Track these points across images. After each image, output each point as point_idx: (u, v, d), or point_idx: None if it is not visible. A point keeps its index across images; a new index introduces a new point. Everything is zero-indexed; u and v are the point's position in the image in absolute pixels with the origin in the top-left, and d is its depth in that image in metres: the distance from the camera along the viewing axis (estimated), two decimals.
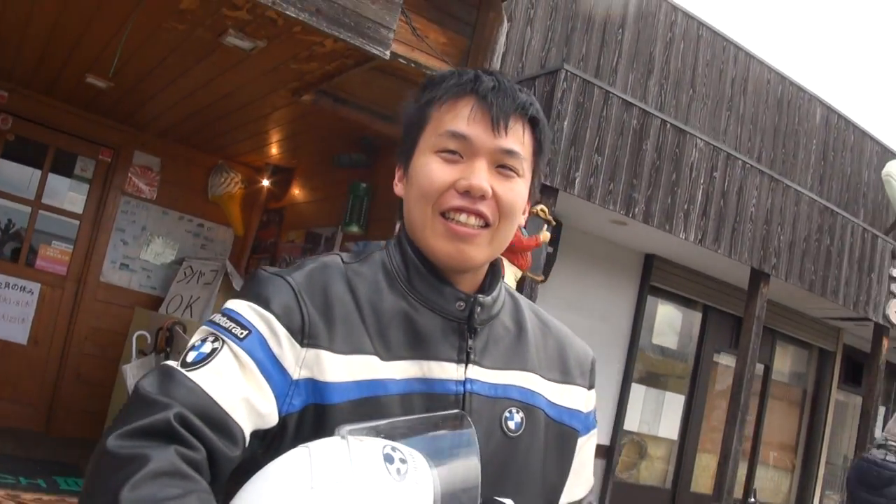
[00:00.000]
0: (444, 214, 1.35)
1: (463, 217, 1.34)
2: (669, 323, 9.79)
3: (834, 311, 10.05)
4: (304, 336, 1.25)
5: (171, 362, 1.20)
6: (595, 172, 7.09)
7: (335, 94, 6.02)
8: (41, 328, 7.73)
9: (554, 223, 6.21)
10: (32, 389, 7.61)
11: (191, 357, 1.20)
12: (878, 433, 10.35)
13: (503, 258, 5.37)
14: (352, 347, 1.28)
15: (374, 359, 1.29)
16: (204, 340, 1.23)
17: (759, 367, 10.67)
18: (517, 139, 1.37)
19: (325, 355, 1.25)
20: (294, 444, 1.16)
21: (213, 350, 1.21)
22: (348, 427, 1.13)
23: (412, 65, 5.50)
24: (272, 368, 1.21)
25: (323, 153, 7.63)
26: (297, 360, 1.24)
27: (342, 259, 1.39)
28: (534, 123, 1.40)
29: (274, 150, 8.01)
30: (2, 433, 6.91)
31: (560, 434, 1.46)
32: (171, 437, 1.08)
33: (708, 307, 9.79)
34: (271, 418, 1.21)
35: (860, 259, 9.57)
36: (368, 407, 1.25)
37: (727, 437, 8.31)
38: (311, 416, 1.23)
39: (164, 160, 8.36)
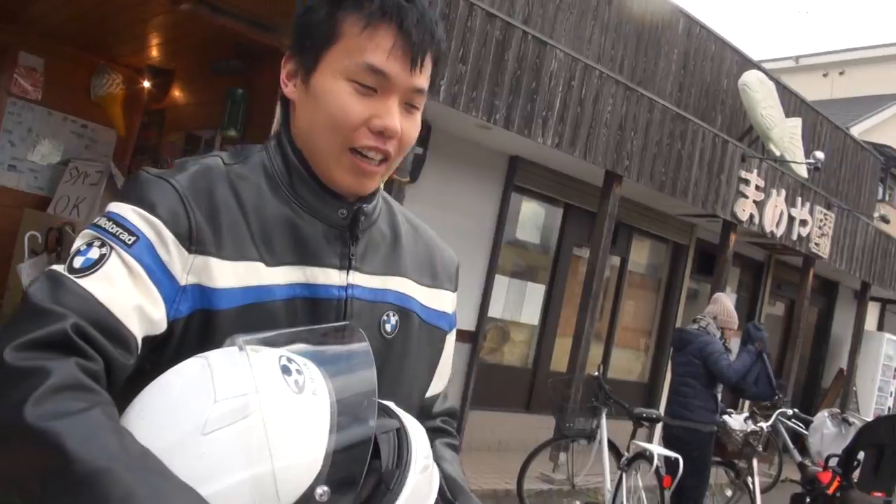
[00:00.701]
0: (352, 149, 1.34)
1: (371, 154, 1.34)
2: (532, 219, 10.51)
3: (686, 209, 10.95)
4: (192, 242, 1.24)
5: (57, 267, 1.19)
6: (459, 81, 7.61)
7: (212, 4, 6.35)
8: None
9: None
10: None
11: (78, 263, 1.18)
12: None
13: None
14: (238, 254, 1.27)
15: (259, 265, 1.29)
16: (90, 245, 1.21)
17: (617, 260, 11.58)
18: (426, 76, 1.38)
19: (213, 262, 1.25)
20: (180, 350, 1.19)
21: (102, 256, 1.19)
22: (243, 337, 1.12)
23: None
24: (161, 275, 1.21)
25: (202, 59, 7.95)
26: (185, 267, 1.23)
27: (223, 160, 1.36)
28: (436, 57, 1.40)
29: (154, 52, 8.28)
30: None
31: (430, 334, 1.52)
32: (69, 349, 1.07)
33: (568, 205, 10.51)
34: (161, 325, 1.20)
35: (710, 162, 10.40)
36: (254, 313, 1.26)
37: (580, 321, 9.17)
38: (197, 321, 1.23)
39: (48, 61, 8.52)
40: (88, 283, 1.15)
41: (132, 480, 0.96)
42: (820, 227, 12.77)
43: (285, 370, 1.08)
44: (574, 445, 7.63)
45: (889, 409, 16.44)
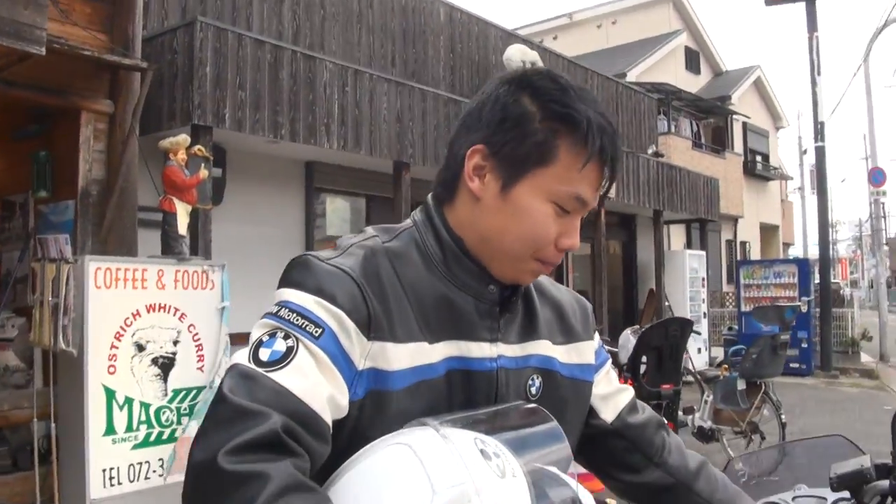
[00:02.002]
0: (535, 258, 1.40)
1: (552, 264, 1.44)
2: (338, 214, 11.42)
3: None
4: (371, 330, 1.28)
5: (242, 360, 1.22)
6: (241, 106, 8.39)
7: (4, 80, 6.87)
8: None
9: (211, 158, 7.48)
10: None
11: (265, 356, 1.21)
12: None
13: (173, 198, 6.60)
14: (407, 335, 1.32)
15: (424, 344, 1.33)
16: (273, 336, 1.24)
17: None
18: None
19: (389, 346, 1.29)
20: (356, 428, 1.25)
21: (290, 349, 1.21)
22: (434, 420, 1.17)
23: (66, 46, 6.55)
24: (343, 362, 1.24)
25: (1, 128, 8.41)
26: (363, 353, 1.27)
27: (381, 241, 1.41)
28: None
29: None
30: None
31: (574, 388, 1.57)
32: (281, 449, 1.09)
33: (369, 195, 11.44)
34: (345, 409, 1.24)
35: None
36: (420, 391, 1.31)
37: None
38: (370, 401, 1.27)
39: None
40: (282, 377, 1.17)
41: None
42: None
43: (484, 454, 1.11)
44: None
45: (704, 313, 18.17)
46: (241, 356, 1.22)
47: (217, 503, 1.04)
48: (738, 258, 25.18)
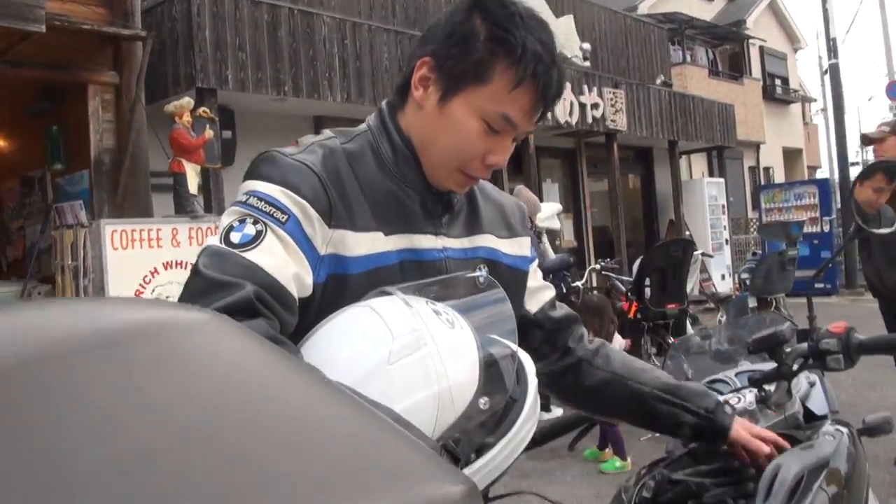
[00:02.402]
0: (462, 171, 1.52)
1: (478, 177, 1.57)
2: None
3: None
4: (332, 219, 1.41)
5: (214, 243, 1.34)
6: (243, 67, 8.60)
7: (12, 60, 7.12)
8: None
9: (216, 119, 7.71)
10: None
11: (236, 239, 1.33)
12: None
13: (182, 159, 6.85)
14: (364, 225, 1.45)
15: (379, 234, 1.47)
16: (242, 222, 1.36)
17: None
18: None
19: (347, 234, 1.42)
20: (321, 308, 1.36)
21: (259, 232, 1.33)
22: (395, 288, 1.31)
23: (66, 22, 6.77)
24: (307, 247, 1.37)
25: (15, 107, 8.68)
26: (325, 240, 1.40)
27: (339, 142, 1.52)
28: None
29: None
30: None
31: (515, 276, 1.73)
32: (254, 314, 1.24)
33: None
34: (310, 289, 1.37)
35: None
36: (377, 276, 1.44)
37: None
38: (332, 284, 1.40)
39: None
40: (252, 255, 1.30)
41: None
42: (612, 105, 14.21)
43: (435, 312, 1.26)
44: None
45: (726, 240, 18.25)
46: (213, 239, 1.35)
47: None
48: (762, 184, 25.11)
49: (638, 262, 8.57)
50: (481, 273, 1.48)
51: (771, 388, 1.93)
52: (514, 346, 1.37)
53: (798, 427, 1.91)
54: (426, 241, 1.55)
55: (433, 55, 1.50)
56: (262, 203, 1.36)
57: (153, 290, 6.23)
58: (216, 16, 8.42)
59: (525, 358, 1.40)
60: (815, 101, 38.83)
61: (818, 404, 2.08)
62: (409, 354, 1.22)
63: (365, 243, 1.45)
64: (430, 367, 1.23)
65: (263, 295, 1.26)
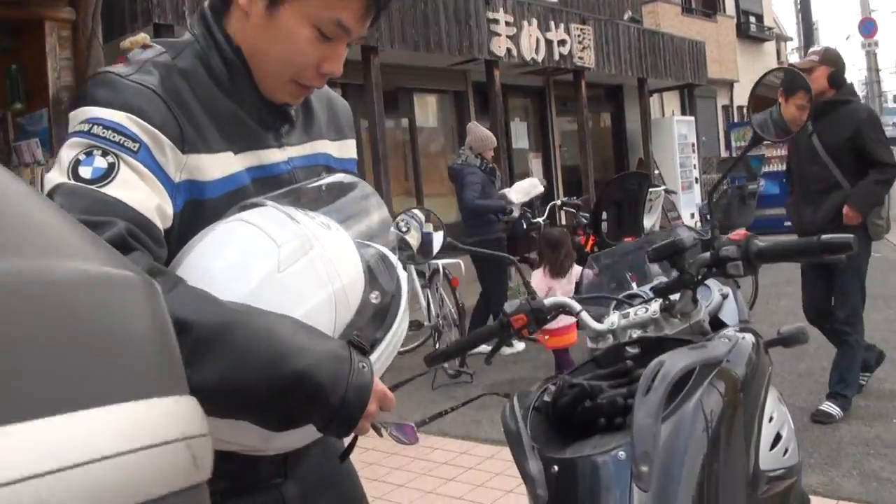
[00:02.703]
0: (296, 82, 1.47)
1: (313, 87, 1.52)
2: None
3: (450, 59, 12.12)
4: (185, 144, 1.34)
5: (61, 178, 1.25)
6: (200, 2, 8.47)
7: None
8: None
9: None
10: None
11: (87, 174, 1.24)
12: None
13: None
14: (216, 147, 1.40)
15: (230, 154, 1.42)
16: (89, 154, 1.27)
17: (405, 122, 12.78)
18: None
19: (202, 158, 1.37)
20: (182, 234, 1.33)
21: (112, 165, 1.25)
22: (263, 198, 1.34)
23: None
24: (162, 176, 1.30)
25: None
26: (178, 167, 1.34)
27: (170, 57, 1.43)
28: None
29: None
30: None
31: None
32: (130, 250, 1.18)
33: (345, 84, 11.45)
34: (171, 219, 1.32)
35: (456, 13, 11.56)
36: (234, 198, 1.38)
37: (376, 184, 10.39)
38: (189, 211, 1.35)
39: None
40: (111, 190, 1.23)
41: (247, 323, 1.15)
42: (580, 42, 14.16)
43: (308, 217, 1.28)
44: None
45: (696, 179, 18.34)
46: (58, 177, 1.25)
47: None
48: (734, 122, 25.13)
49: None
50: (340, 176, 1.52)
51: (676, 297, 1.92)
52: (381, 247, 1.42)
53: (703, 335, 1.90)
54: (273, 156, 1.51)
55: None
56: (110, 132, 1.28)
57: None
58: None
59: (391, 254, 1.43)
60: (791, 39, 38.79)
61: (730, 316, 2.10)
62: (297, 260, 1.22)
63: (219, 166, 1.40)
64: (321, 270, 1.24)
65: (134, 230, 1.21)
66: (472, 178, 7.92)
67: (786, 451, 1.77)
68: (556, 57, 13.55)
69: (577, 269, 6.74)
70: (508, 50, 12.41)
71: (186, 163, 1.35)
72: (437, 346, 7.19)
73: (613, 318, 1.99)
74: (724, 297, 2.14)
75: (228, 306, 1.17)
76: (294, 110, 1.57)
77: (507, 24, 12.42)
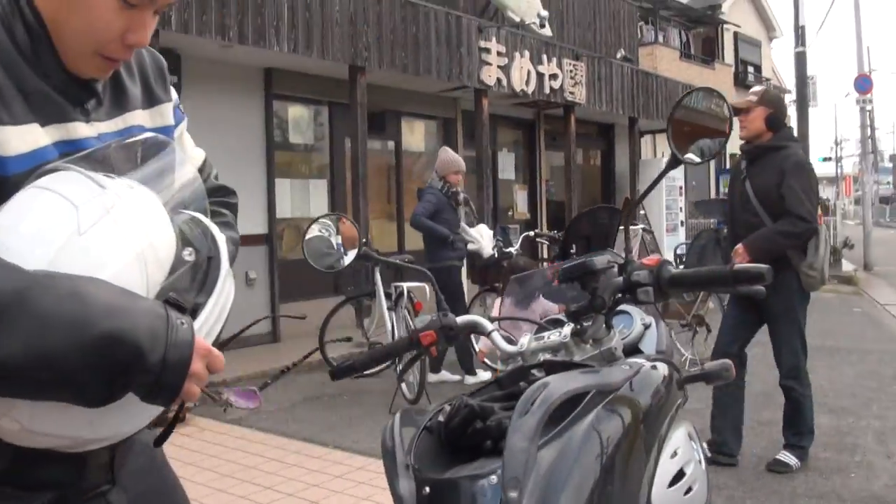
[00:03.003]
0: (101, 55, 1.37)
1: (119, 59, 1.42)
2: (299, 121, 11.46)
3: (439, 85, 12.07)
4: None
5: None
6: (187, 7, 8.42)
7: None
8: None
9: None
10: None
11: None
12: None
13: None
14: (20, 117, 1.29)
15: (35, 126, 1.31)
16: None
17: (391, 144, 12.72)
18: None
19: (5, 129, 1.26)
20: None
21: None
22: (59, 163, 1.27)
23: None
24: None
25: None
26: None
27: None
28: None
29: None
30: None
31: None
32: None
33: (332, 102, 11.47)
34: None
35: (448, 38, 11.53)
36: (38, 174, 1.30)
37: (355, 203, 10.32)
38: None
39: None
40: None
41: (49, 286, 1.10)
42: (572, 78, 14.15)
43: (108, 177, 1.24)
44: (363, 305, 8.76)
45: (682, 222, 18.34)
46: None
47: None
48: (725, 168, 25.17)
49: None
50: (147, 135, 1.45)
51: (589, 322, 1.86)
52: (193, 212, 1.39)
53: (613, 362, 1.84)
54: (81, 130, 1.40)
55: None
56: None
57: None
58: None
59: (204, 217, 1.40)
60: (789, 92, 39.00)
61: (651, 346, 2.05)
62: (99, 220, 1.17)
63: (22, 139, 1.29)
64: (124, 228, 1.19)
65: None
66: (427, 198, 7.95)
67: (689, 490, 1.67)
68: (547, 90, 13.52)
69: (543, 301, 6.62)
70: (499, 80, 12.37)
71: None
72: (399, 369, 7.07)
73: (524, 341, 1.92)
74: (647, 326, 2.09)
75: (27, 272, 1.10)
76: (101, 84, 1.46)
77: (499, 53, 12.39)
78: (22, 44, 1.34)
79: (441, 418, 1.69)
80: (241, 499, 4.81)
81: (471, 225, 8.40)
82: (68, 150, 1.35)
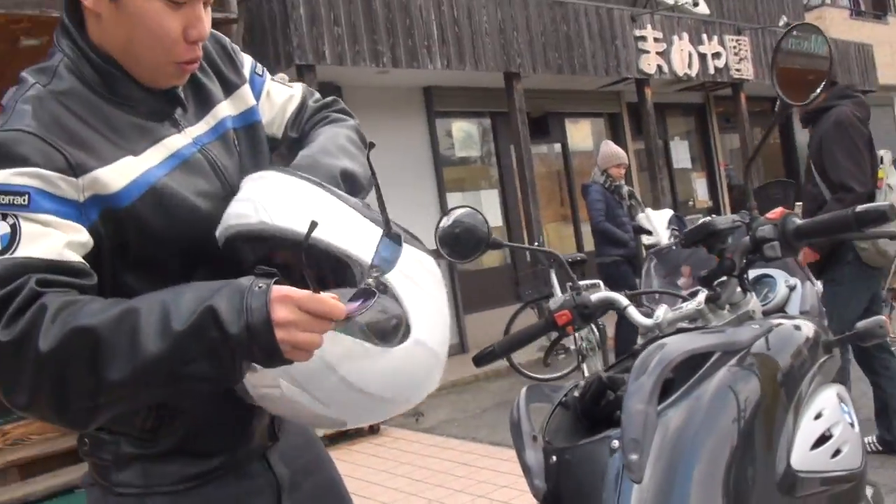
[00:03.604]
0: (175, 62, 1.47)
1: (193, 62, 1.50)
2: (464, 135, 11.59)
3: (598, 81, 11.95)
4: (73, 170, 1.34)
5: None
6: (340, 41, 8.70)
7: None
8: None
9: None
10: None
11: None
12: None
13: None
14: (110, 157, 1.40)
15: (129, 158, 1.42)
16: None
17: (558, 146, 12.65)
18: None
19: (98, 173, 1.37)
20: (114, 244, 1.40)
21: (14, 226, 1.29)
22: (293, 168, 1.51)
23: None
24: (63, 207, 1.33)
25: None
26: (78, 190, 1.35)
27: (43, 85, 1.43)
28: None
29: None
30: None
31: (248, 133, 1.69)
32: (43, 295, 1.25)
33: (493, 112, 11.53)
34: (90, 242, 1.36)
35: (600, 32, 11.39)
36: (153, 195, 1.43)
37: (525, 209, 10.31)
38: (109, 220, 1.38)
39: None
40: (21, 251, 1.28)
41: (136, 308, 1.24)
42: (736, 54, 13.68)
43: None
44: (543, 307, 8.74)
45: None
46: None
47: (14, 366, 1.22)
48: None
49: None
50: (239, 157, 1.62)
51: (722, 287, 1.77)
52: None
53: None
54: (177, 142, 1.51)
55: None
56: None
57: None
58: None
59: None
60: None
61: (795, 307, 1.97)
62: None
63: (120, 173, 1.40)
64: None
65: (48, 278, 1.27)
66: (594, 198, 7.79)
67: (836, 452, 1.56)
68: (712, 71, 13.12)
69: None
70: (659, 67, 12.10)
71: (84, 183, 1.36)
72: (584, 370, 7.01)
73: (659, 312, 1.84)
74: (792, 288, 2.01)
75: (124, 302, 1.26)
76: (182, 91, 1.56)
77: (656, 39, 12.13)
78: (95, 84, 1.46)
79: (576, 394, 1.69)
80: (433, 502, 4.92)
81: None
82: (176, 163, 1.48)
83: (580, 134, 13.26)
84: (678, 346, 1.43)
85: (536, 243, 8.70)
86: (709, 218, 1.81)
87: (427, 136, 10.84)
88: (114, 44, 1.45)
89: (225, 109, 1.64)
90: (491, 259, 11.48)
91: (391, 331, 1.38)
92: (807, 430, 1.53)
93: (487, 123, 11.68)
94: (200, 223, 1.46)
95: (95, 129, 1.41)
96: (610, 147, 8.07)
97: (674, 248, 2.60)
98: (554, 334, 2.04)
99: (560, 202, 12.85)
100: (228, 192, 1.51)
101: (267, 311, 1.21)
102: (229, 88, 1.68)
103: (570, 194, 12.67)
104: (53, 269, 1.29)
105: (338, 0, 8.73)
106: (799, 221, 1.67)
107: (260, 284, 1.24)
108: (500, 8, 10.16)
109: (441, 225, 2.17)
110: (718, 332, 1.60)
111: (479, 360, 2.06)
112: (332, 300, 1.23)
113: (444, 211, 10.55)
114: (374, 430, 6.71)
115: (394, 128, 10.26)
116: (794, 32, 2.24)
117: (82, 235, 1.35)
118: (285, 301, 1.22)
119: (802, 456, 1.49)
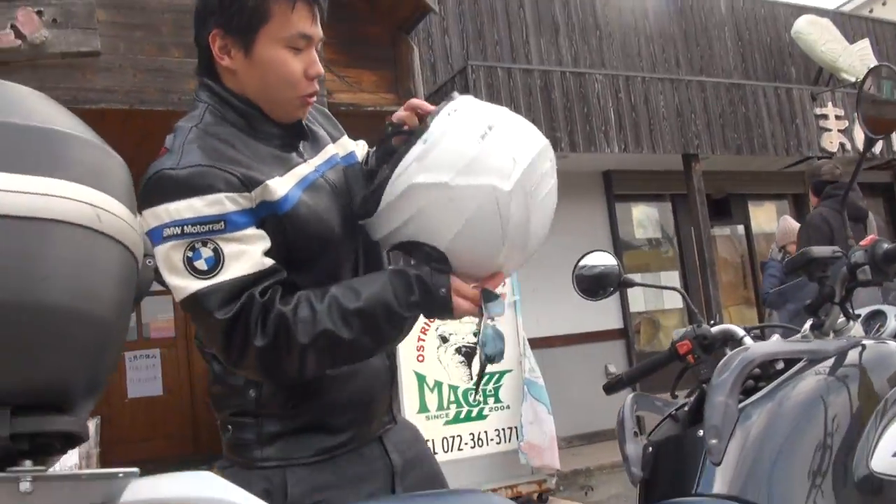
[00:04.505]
0: (301, 97, 1.78)
1: (314, 95, 1.81)
2: (645, 217, 11.73)
3: (779, 161, 11.88)
4: (246, 184, 1.62)
5: (193, 285, 1.55)
6: None
7: None
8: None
9: None
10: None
11: (203, 266, 1.54)
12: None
13: None
14: (267, 174, 1.67)
15: (277, 178, 1.69)
16: (194, 249, 1.54)
17: (741, 228, 12.57)
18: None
19: (265, 185, 1.65)
20: (289, 237, 1.69)
21: (216, 250, 1.55)
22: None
23: (350, 108, 7.67)
24: (247, 218, 1.60)
25: None
26: (251, 200, 1.62)
27: (196, 125, 1.70)
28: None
29: None
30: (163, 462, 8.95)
31: (354, 171, 1.96)
32: (271, 305, 1.56)
33: (673, 194, 11.65)
34: (269, 243, 1.65)
35: (780, 112, 11.37)
36: (299, 208, 1.70)
37: (705, 290, 10.32)
38: (271, 223, 1.66)
39: None
40: (229, 273, 1.54)
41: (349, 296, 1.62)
42: None
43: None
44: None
45: None
46: (182, 281, 1.55)
47: (276, 360, 1.59)
48: None
49: None
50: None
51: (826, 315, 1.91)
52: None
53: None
54: (304, 170, 1.78)
55: (219, 25, 1.72)
56: (197, 226, 1.54)
57: (437, 328, 6.84)
58: (491, 87, 9.06)
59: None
60: None
61: None
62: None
63: (278, 185, 1.68)
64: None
65: (265, 286, 1.57)
66: (769, 273, 7.86)
67: None
68: None
69: None
70: (842, 144, 11.92)
71: (254, 195, 1.64)
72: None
73: (772, 340, 2.00)
74: None
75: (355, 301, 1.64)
76: (306, 128, 1.87)
77: (837, 117, 11.97)
78: (238, 124, 1.76)
79: (686, 408, 1.87)
80: None
81: None
82: (305, 186, 1.76)
83: (764, 216, 13.13)
84: (760, 349, 1.61)
85: (712, 322, 8.65)
86: (815, 248, 1.92)
87: (606, 219, 11.09)
88: (251, 89, 1.76)
89: (333, 149, 1.94)
90: (668, 338, 11.38)
91: None
92: (892, 435, 1.60)
93: (667, 204, 11.82)
94: (331, 232, 1.77)
95: (246, 156, 1.69)
96: (788, 223, 8.03)
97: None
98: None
99: (743, 285, 12.71)
100: (342, 206, 1.82)
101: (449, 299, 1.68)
102: (335, 137, 2.00)
103: (754, 277, 12.51)
104: (262, 278, 1.57)
105: (518, 94, 9.20)
106: (887, 245, 1.80)
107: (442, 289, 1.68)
108: (676, 92, 10.39)
109: (578, 265, 2.39)
110: (804, 342, 1.75)
111: (609, 389, 2.24)
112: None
113: (623, 291, 10.80)
114: (542, 500, 6.88)
115: (573, 211, 10.53)
116: (869, 79, 2.28)
117: (267, 241, 1.63)
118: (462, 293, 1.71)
119: (884, 459, 1.56)
